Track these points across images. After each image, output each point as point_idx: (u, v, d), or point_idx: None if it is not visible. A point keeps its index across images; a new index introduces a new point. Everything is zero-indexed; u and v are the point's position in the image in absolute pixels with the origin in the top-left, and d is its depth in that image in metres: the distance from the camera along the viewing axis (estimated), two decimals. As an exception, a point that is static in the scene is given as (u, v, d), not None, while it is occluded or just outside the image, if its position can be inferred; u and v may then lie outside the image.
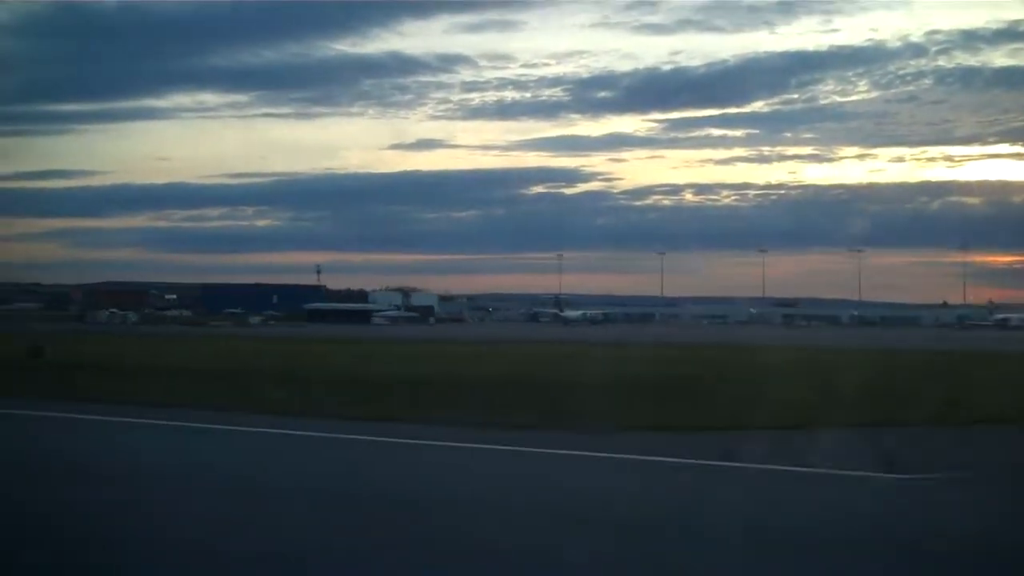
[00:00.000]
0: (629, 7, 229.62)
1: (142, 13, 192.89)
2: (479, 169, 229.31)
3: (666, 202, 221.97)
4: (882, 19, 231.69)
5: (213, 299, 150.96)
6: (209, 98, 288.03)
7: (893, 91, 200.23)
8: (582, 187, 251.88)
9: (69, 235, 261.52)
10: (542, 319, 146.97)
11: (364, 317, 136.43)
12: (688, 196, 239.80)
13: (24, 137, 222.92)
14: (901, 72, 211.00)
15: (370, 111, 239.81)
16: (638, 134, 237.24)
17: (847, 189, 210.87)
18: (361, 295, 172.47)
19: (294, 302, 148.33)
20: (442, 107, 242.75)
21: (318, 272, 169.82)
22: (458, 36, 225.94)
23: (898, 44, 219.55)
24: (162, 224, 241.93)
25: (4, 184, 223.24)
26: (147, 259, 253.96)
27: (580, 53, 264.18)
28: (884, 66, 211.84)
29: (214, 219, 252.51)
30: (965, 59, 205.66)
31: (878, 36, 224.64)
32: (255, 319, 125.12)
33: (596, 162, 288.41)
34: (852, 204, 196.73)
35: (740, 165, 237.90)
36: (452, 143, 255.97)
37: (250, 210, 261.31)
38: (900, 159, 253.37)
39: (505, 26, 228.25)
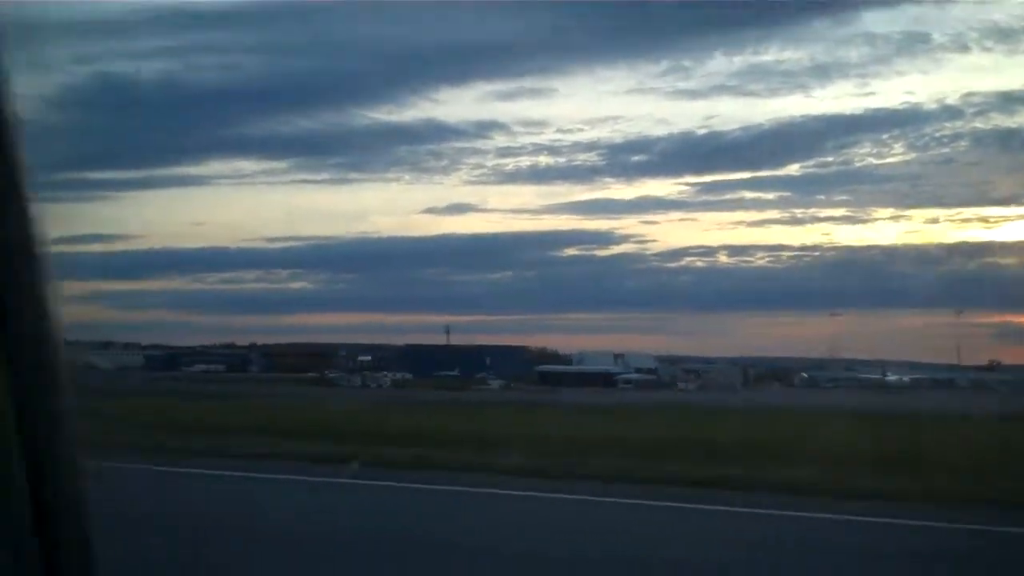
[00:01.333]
0: (664, 73, 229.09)
1: (179, 84, 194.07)
2: (512, 232, 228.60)
3: (700, 264, 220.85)
4: (918, 82, 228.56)
5: (415, 360, 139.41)
6: (246, 165, 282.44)
7: (929, 153, 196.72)
8: (615, 249, 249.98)
9: (108, 298, 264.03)
10: (797, 383, 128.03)
11: (608, 381, 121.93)
12: (722, 258, 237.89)
13: (64, 203, 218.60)
14: (937, 134, 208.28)
15: (405, 176, 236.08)
16: (670, 197, 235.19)
17: (882, 250, 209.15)
18: (562, 357, 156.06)
19: (495, 364, 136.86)
20: (476, 172, 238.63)
21: (447, 332, 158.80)
22: (493, 103, 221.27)
23: (934, 106, 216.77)
24: (197, 287, 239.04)
25: (44, 249, 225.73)
26: (185, 320, 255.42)
27: (615, 118, 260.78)
28: (920, 128, 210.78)
29: (249, 282, 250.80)
30: (1002, 120, 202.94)
31: (914, 99, 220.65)
32: (495, 383, 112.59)
33: (628, 224, 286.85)
34: (886, 266, 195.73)
35: (773, 227, 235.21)
36: (485, 207, 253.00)
37: (285, 273, 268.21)
38: (935, 220, 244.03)
39: (540, 93, 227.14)
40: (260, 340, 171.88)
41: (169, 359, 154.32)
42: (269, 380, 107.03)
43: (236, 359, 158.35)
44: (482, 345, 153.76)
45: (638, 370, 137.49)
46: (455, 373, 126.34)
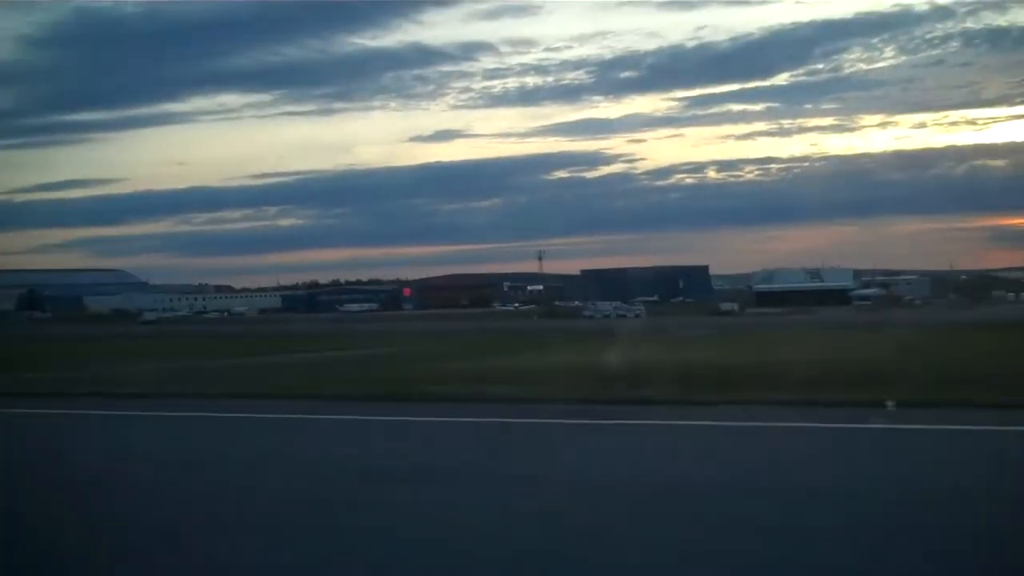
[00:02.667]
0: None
1: (161, 16, 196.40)
2: (500, 157, 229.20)
3: (689, 180, 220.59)
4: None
5: (601, 285, 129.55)
6: (230, 99, 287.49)
7: (920, 56, 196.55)
8: (604, 170, 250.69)
9: (91, 244, 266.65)
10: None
11: (843, 299, 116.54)
12: (711, 173, 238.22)
13: (44, 149, 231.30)
14: (928, 36, 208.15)
15: (391, 104, 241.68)
16: (658, 113, 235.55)
17: (871, 158, 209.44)
18: (741, 277, 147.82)
19: (675, 287, 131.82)
20: (463, 96, 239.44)
21: (540, 258, 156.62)
22: (479, 23, 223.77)
23: (925, 7, 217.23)
24: (184, 229, 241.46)
25: (26, 196, 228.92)
26: (171, 264, 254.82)
27: (603, 34, 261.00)
28: (910, 31, 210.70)
29: (237, 221, 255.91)
30: (993, 19, 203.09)
31: (905, 0, 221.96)
32: (728, 305, 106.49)
33: (616, 144, 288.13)
34: (876, 174, 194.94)
35: (761, 139, 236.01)
36: (471, 132, 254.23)
37: (273, 210, 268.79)
38: (922, 125, 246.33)
39: (527, 10, 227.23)
40: (359, 276, 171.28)
41: (309, 299, 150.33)
42: (437, 316, 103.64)
43: (382, 297, 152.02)
44: (667, 267, 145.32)
45: (867, 286, 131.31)
46: (654, 298, 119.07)
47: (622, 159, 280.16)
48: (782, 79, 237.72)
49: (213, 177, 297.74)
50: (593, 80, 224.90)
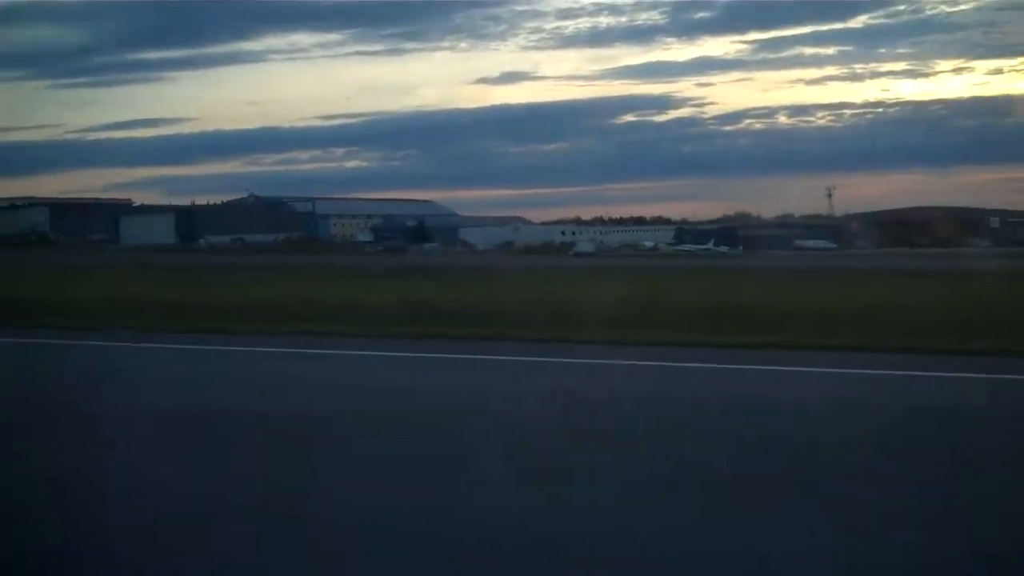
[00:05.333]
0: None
1: None
2: (567, 100, 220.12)
3: (758, 126, 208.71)
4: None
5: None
6: (300, 39, 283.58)
7: None
8: (672, 114, 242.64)
9: (162, 183, 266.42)
10: None
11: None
12: (782, 119, 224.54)
13: (112, 87, 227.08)
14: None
15: (461, 45, 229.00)
16: (728, 56, 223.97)
17: (944, 104, 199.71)
18: None
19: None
20: (534, 37, 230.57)
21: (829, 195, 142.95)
22: None
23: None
24: (254, 169, 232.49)
25: (96, 135, 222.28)
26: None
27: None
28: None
29: (304, 162, 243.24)
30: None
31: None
32: None
33: (685, 87, 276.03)
34: (951, 120, 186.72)
35: (832, 84, 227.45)
36: (537, 74, 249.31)
37: (340, 151, 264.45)
38: (998, 71, 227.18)
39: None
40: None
41: (725, 234, 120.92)
42: (926, 256, 73.19)
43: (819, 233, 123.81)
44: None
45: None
46: None
47: (691, 103, 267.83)
48: (859, 21, 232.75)
49: (282, 117, 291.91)
50: (666, 20, 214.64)
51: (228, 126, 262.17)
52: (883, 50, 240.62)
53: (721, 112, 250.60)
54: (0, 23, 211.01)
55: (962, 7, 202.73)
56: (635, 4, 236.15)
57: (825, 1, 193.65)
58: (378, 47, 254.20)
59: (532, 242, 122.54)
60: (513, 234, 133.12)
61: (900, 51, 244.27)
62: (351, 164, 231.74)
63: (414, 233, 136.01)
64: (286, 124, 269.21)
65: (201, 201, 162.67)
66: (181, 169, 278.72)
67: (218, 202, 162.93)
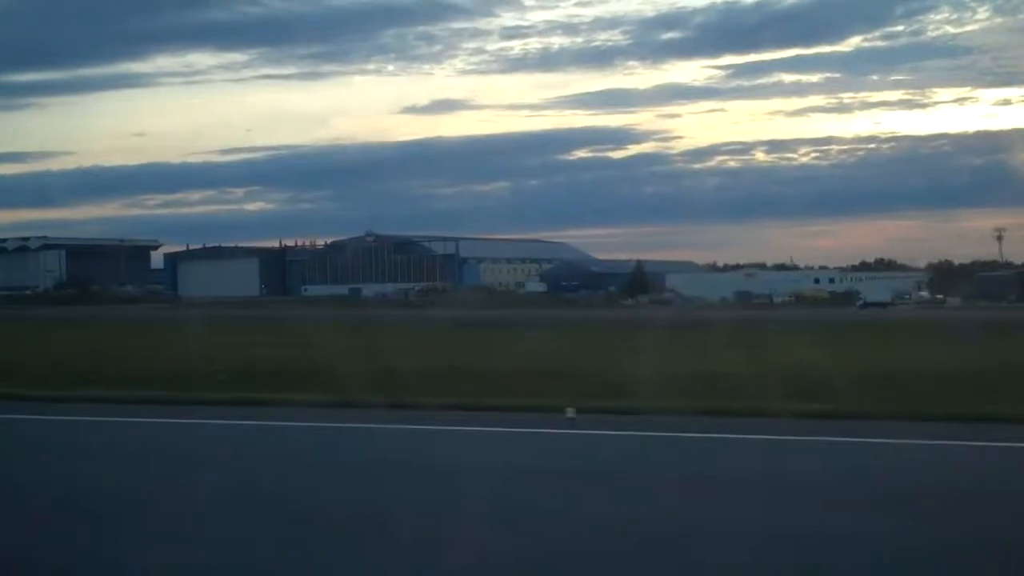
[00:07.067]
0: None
1: None
2: (510, 133, 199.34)
3: (732, 163, 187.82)
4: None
5: None
6: (199, 59, 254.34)
7: (1021, 17, 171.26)
8: (633, 149, 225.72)
9: (24, 229, 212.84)
10: None
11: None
12: (759, 155, 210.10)
13: None
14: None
15: (388, 67, 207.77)
16: (696, 83, 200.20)
17: (949, 140, 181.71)
18: None
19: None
20: (475, 59, 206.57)
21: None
22: None
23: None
24: (135, 212, 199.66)
25: None
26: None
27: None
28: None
29: (196, 203, 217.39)
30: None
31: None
32: None
33: (647, 119, 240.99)
34: (954, 158, 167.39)
35: (815, 116, 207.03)
36: (476, 103, 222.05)
37: (240, 191, 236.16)
38: (1006, 102, 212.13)
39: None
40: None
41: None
42: None
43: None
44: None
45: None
46: None
47: (654, 137, 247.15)
48: (849, 44, 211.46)
49: (173, 152, 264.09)
50: (629, 41, 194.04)
51: (108, 162, 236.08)
52: (875, 77, 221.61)
53: (689, 147, 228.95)
54: None
55: (968, 28, 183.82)
56: (592, 22, 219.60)
57: (811, 20, 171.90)
58: (290, 70, 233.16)
59: (808, 291, 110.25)
60: (745, 282, 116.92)
61: (895, 78, 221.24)
62: (253, 207, 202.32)
63: (590, 279, 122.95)
64: (176, 160, 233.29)
65: (289, 242, 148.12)
66: (52, 212, 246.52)
67: (320, 244, 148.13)
